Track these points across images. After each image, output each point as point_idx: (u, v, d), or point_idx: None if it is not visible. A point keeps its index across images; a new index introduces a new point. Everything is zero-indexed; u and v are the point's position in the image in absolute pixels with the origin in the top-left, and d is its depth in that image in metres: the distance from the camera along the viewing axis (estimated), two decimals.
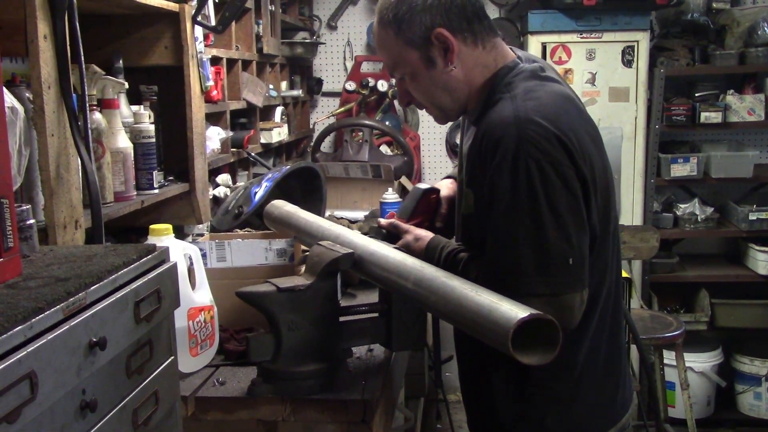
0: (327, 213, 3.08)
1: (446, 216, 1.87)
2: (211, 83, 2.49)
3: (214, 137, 2.66)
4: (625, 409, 1.68)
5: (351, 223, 2.96)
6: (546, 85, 1.52)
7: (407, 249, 1.69)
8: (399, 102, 1.69)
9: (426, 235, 1.72)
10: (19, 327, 0.88)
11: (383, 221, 1.83)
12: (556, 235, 1.40)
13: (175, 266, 1.31)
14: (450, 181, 1.94)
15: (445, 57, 1.54)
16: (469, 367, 1.72)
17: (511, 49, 1.64)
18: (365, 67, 4.32)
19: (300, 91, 3.98)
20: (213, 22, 2.46)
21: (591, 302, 1.50)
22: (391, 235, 1.78)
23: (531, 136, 1.40)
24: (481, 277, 1.48)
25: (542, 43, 3.83)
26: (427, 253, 1.67)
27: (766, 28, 3.87)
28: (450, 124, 4.34)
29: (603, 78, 3.85)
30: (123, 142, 1.96)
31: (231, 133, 2.88)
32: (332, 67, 4.41)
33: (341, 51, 4.39)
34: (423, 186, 1.87)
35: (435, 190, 1.88)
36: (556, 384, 1.57)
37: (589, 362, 1.58)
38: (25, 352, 0.86)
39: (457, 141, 4.34)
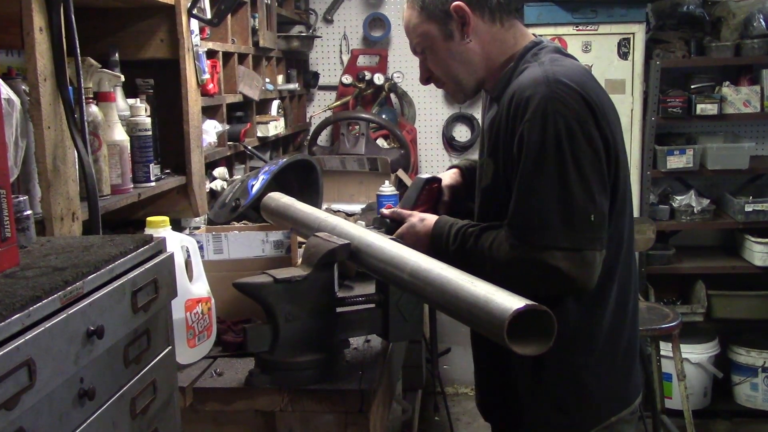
0: (324, 206, 3.09)
1: (449, 204, 1.88)
2: (207, 76, 2.49)
3: (210, 130, 2.66)
4: (637, 393, 1.70)
5: (348, 216, 2.97)
6: (570, 59, 1.62)
7: (412, 230, 1.70)
8: (420, 80, 1.74)
9: (431, 216, 1.72)
10: (17, 315, 0.89)
11: (385, 211, 1.82)
12: (580, 191, 1.44)
13: (172, 256, 1.32)
14: (454, 170, 1.95)
15: (462, 30, 1.62)
16: (485, 345, 1.72)
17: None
18: (361, 60, 4.32)
19: (296, 85, 3.98)
20: (209, 15, 2.46)
21: (607, 273, 1.51)
22: (394, 224, 1.77)
23: (560, 94, 1.46)
24: (501, 236, 1.51)
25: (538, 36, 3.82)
26: (434, 232, 1.67)
27: (761, 20, 3.88)
28: (446, 117, 4.35)
29: (599, 70, 3.84)
30: (119, 135, 1.96)
31: (227, 127, 2.88)
32: (328, 60, 4.41)
33: (337, 44, 4.38)
34: (424, 176, 1.88)
35: (437, 180, 1.89)
36: (575, 362, 1.58)
37: (609, 341, 1.60)
38: (23, 340, 0.87)
39: (454, 134, 4.36)
